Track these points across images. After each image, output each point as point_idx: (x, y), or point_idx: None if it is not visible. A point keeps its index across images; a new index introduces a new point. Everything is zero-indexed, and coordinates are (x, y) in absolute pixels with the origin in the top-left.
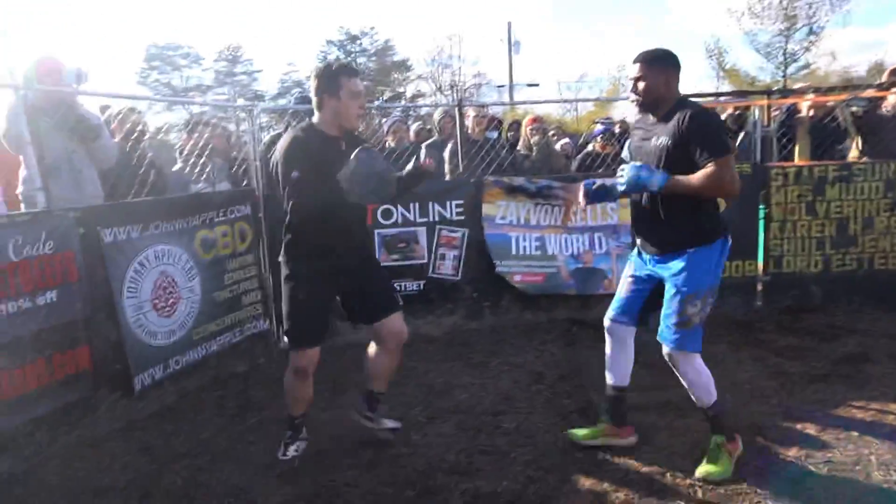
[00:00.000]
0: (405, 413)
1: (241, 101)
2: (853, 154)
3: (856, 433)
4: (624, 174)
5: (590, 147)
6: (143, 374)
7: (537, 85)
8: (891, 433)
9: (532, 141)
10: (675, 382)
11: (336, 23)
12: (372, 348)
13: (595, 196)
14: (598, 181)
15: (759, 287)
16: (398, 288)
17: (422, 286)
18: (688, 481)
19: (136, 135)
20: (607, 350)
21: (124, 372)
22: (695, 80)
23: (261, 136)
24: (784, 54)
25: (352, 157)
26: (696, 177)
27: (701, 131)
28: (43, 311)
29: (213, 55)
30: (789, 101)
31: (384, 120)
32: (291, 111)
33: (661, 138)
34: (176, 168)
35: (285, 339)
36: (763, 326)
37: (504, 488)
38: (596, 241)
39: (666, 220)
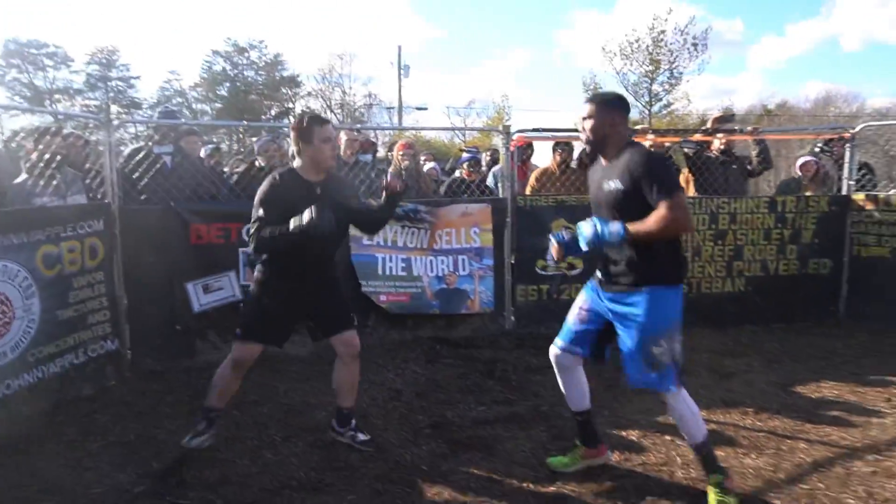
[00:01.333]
0: (260, 433)
1: (114, 109)
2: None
3: (668, 437)
4: (582, 232)
5: (457, 173)
6: None
7: (426, 108)
8: None
9: (402, 165)
10: (523, 397)
11: (223, 33)
12: (336, 365)
13: (567, 250)
14: (567, 235)
15: None
16: None
17: None
18: (524, 485)
19: None
20: (559, 380)
21: None
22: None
23: (119, 149)
24: (649, 94)
25: (306, 217)
26: (652, 220)
27: (651, 172)
28: None
29: (85, 57)
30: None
31: (254, 139)
32: (154, 126)
33: (611, 182)
34: (19, 180)
35: (238, 331)
36: None
37: (349, 502)
38: (460, 263)
39: (622, 257)
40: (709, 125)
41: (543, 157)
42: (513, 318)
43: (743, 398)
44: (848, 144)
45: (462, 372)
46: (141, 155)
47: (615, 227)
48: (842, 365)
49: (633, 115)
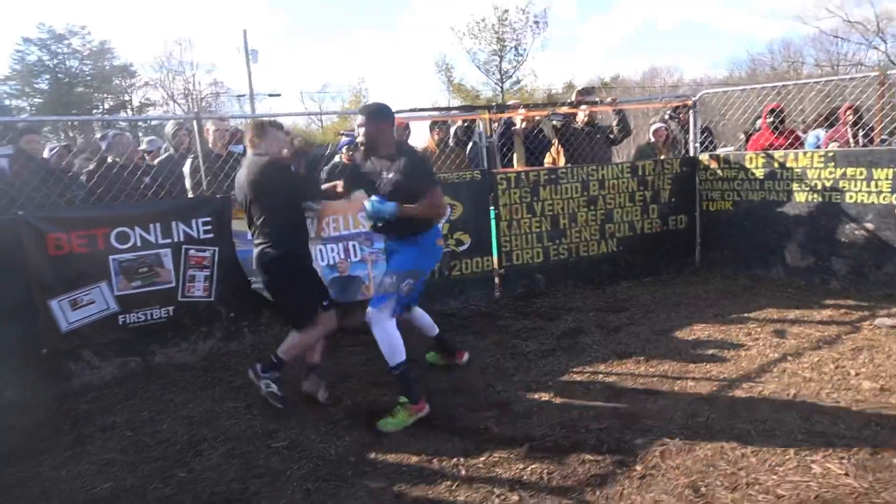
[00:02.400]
0: (165, 451)
1: None
2: (548, 160)
3: (578, 392)
4: (366, 207)
5: (336, 158)
6: None
7: (279, 95)
8: (602, 390)
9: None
10: (433, 378)
11: (34, 19)
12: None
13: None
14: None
15: (496, 280)
16: (145, 317)
17: (171, 312)
18: (453, 461)
19: None
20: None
21: None
22: (430, 93)
23: None
24: (500, 72)
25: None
26: (420, 205)
27: (416, 171)
28: None
29: None
30: (506, 115)
31: (99, 136)
32: None
33: (390, 174)
34: None
35: (321, 307)
36: (502, 314)
37: None
38: (350, 249)
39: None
40: (573, 98)
41: (419, 137)
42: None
43: (633, 349)
44: (692, 110)
45: (367, 358)
46: None
47: (390, 206)
48: (706, 308)
49: (486, 92)
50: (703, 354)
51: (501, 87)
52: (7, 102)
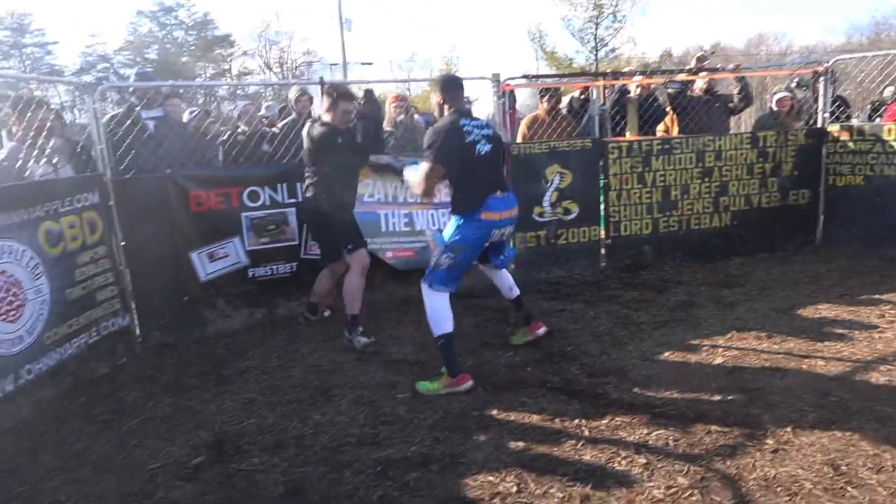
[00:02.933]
0: (298, 394)
1: (87, 79)
2: (661, 129)
3: (697, 364)
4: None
5: None
6: None
7: (371, 63)
8: (722, 363)
9: (397, 118)
10: (545, 340)
11: None
12: (346, 279)
13: None
14: None
15: (603, 250)
16: (271, 271)
17: (294, 268)
18: (574, 422)
19: None
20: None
21: None
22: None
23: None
24: (595, 39)
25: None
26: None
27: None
28: None
29: None
30: (621, 82)
31: (232, 106)
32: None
33: None
34: (2, 154)
35: (346, 250)
36: (609, 284)
37: (413, 452)
38: None
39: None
40: (692, 64)
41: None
42: (512, 265)
43: (752, 325)
44: (822, 78)
45: (478, 321)
46: (127, 122)
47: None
48: (831, 288)
49: (580, 60)
50: (832, 334)
51: (596, 56)
52: (121, 71)
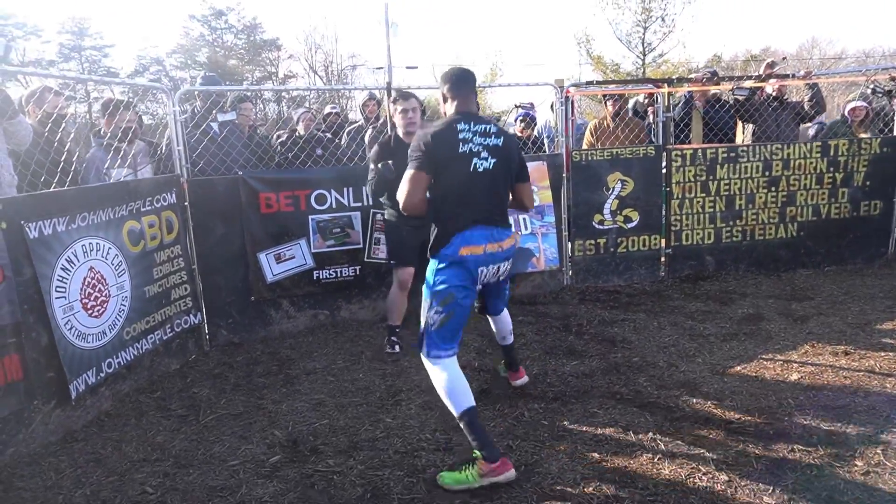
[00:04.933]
0: (366, 398)
1: (164, 82)
2: (738, 138)
3: (771, 379)
4: None
5: (510, 131)
6: (78, 379)
7: (416, 67)
8: (798, 380)
9: None
10: (609, 350)
11: None
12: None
13: None
14: None
15: (663, 259)
16: (335, 274)
17: (357, 271)
18: (648, 435)
19: (54, 117)
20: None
21: (58, 379)
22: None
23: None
24: (643, 44)
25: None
26: None
27: None
28: None
29: (55, 27)
30: (686, 88)
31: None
32: (203, 94)
33: None
34: (89, 154)
35: (391, 263)
36: (669, 294)
37: None
38: (521, 222)
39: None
40: (761, 71)
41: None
42: (570, 272)
43: (827, 339)
44: None
45: (539, 328)
46: (192, 124)
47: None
48: None
49: (626, 66)
50: None
51: (643, 60)
52: (172, 73)
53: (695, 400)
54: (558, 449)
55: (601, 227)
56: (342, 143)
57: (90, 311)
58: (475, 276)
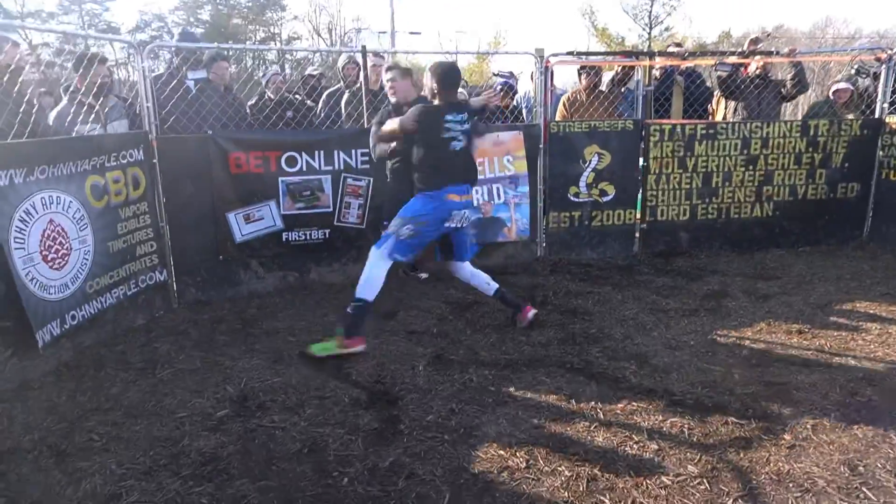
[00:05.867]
0: (323, 358)
1: (142, 38)
2: (719, 115)
3: (722, 355)
4: None
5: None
6: (43, 329)
7: (419, 33)
8: (748, 356)
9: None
10: (570, 320)
11: None
12: None
13: None
14: None
15: (637, 234)
16: (304, 236)
17: (327, 234)
18: (590, 404)
19: (12, 68)
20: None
21: (16, 328)
22: (571, 38)
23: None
24: (649, 16)
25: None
26: None
27: None
28: None
29: None
30: (667, 62)
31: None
32: (175, 49)
33: None
34: (61, 107)
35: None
36: (641, 269)
37: (429, 422)
38: (495, 191)
39: None
40: (745, 47)
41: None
42: (544, 244)
43: (784, 318)
44: (884, 65)
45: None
46: (174, 82)
47: None
48: (873, 286)
49: (632, 38)
50: (868, 333)
51: (649, 34)
52: (174, 30)
53: (643, 372)
54: (500, 414)
55: (576, 199)
56: (318, 106)
57: (50, 264)
58: (449, 217)
